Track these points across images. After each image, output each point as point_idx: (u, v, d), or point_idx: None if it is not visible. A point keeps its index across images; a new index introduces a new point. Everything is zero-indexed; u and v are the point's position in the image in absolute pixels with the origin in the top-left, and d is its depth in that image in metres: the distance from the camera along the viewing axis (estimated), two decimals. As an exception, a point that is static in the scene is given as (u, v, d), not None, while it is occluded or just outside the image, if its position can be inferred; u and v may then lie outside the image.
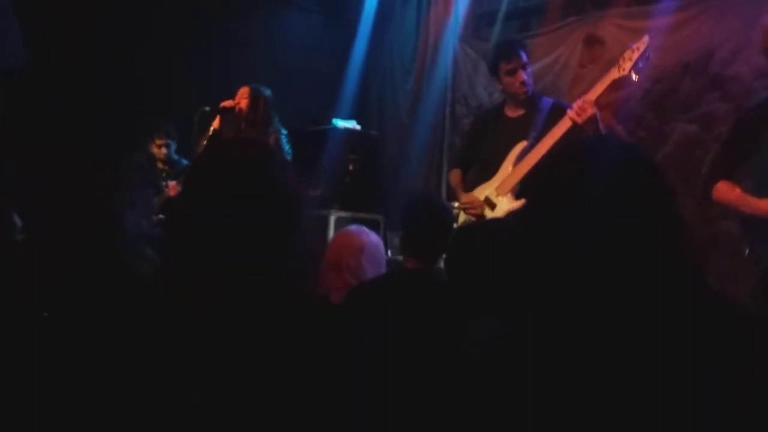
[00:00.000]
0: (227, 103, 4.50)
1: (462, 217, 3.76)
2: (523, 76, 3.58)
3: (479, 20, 5.93)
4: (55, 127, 4.81)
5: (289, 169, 1.43)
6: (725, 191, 2.82)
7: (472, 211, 3.63)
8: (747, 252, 2.81)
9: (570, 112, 3.27)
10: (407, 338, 1.92)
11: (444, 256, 2.49)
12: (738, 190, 2.78)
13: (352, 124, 5.83)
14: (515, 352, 1.10)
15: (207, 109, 4.52)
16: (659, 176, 1.14)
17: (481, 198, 3.64)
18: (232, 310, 1.23)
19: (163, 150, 5.19)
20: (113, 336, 1.25)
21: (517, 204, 3.51)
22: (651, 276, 1.05)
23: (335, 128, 5.70)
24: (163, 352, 1.21)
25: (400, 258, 3.23)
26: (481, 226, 3.07)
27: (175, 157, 5.25)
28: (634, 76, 3.16)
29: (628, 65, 3.17)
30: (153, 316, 1.25)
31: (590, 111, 3.21)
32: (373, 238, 2.85)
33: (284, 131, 4.52)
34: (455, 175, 3.93)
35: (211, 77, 5.25)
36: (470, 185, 3.78)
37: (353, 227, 2.95)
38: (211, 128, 4.54)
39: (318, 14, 6.48)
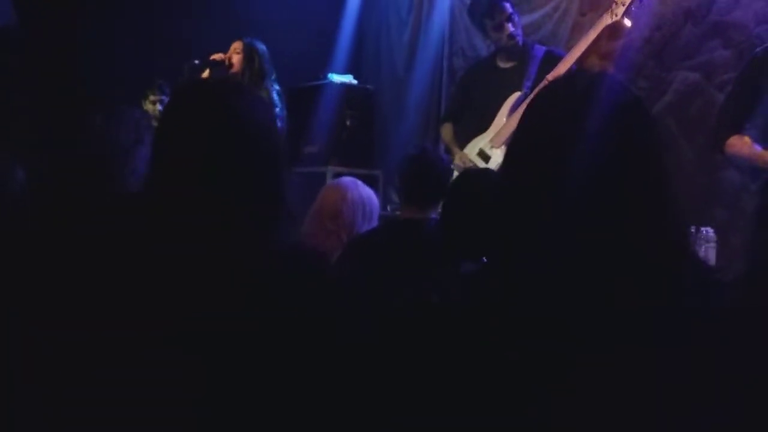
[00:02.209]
0: (217, 56, 4.42)
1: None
2: (510, 28, 3.53)
3: (476, -32, 5.81)
4: (45, 84, 4.76)
5: (264, 106, 1.40)
6: (738, 146, 2.79)
7: None
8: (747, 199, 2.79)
9: (551, 76, 3.24)
10: (396, 288, 1.90)
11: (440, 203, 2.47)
12: (751, 145, 2.74)
13: (348, 79, 5.73)
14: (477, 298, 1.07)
15: (196, 62, 4.45)
16: (649, 127, 1.09)
17: (476, 150, 3.61)
18: (211, 255, 1.19)
19: (158, 106, 5.12)
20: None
21: (512, 156, 3.47)
22: (633, 234, 1.01)
23: (331, 83, 5.61)
24: (152, 306, 1.18)
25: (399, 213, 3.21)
26: (482, 172, 3.05)
27: None
28: (627, 22, 3.10)
29: (620, 10, 3.12)
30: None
31: None
32: (363, 191, 2.81)
33: (277, 87, 4.44)
34: (447, 130, 3.89)
35: (201, 31, 5.14)
36: (464, 138, 3.74)
37: (346, 178, 2.92)
38: None
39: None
